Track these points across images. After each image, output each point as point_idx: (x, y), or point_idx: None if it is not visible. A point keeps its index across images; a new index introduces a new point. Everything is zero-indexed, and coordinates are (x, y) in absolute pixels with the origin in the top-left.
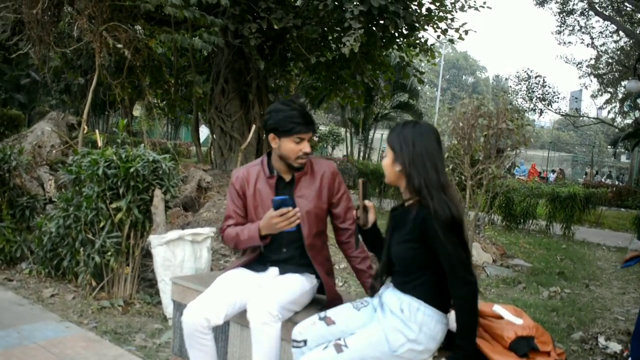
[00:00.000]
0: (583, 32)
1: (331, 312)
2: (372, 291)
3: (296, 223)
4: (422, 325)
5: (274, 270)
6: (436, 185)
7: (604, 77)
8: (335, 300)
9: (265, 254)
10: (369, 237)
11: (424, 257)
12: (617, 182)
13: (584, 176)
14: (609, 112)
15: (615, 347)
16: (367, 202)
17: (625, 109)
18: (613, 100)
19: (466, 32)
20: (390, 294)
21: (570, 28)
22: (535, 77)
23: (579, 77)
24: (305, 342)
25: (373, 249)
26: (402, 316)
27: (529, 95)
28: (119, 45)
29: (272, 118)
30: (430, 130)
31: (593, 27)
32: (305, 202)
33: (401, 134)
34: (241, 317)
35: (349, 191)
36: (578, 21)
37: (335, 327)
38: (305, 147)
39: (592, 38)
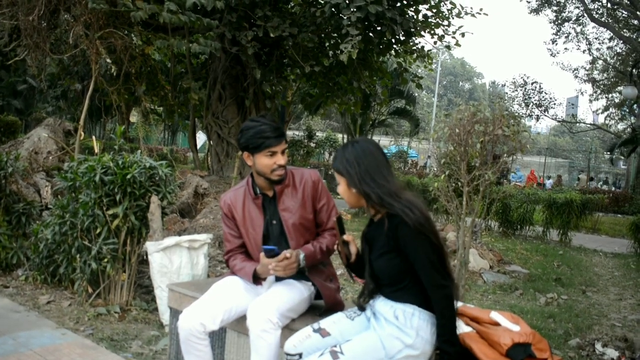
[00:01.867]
0: (579, 40)
1: (325, 324)
2: (360, 308)
3: (291, 271)
4: (418, 329)
5: (270, 278)
6: (389, 193)
7: (600, 83)
8: (336, 306)
9: None
10: (356, 267)
11: (405, 264)
12: (612, 188)
13: (576, 181)
14: (606, 118)
15: (612, 353)
16: (345, 236)
17: (621, 115)
18: (610, 107)
19: (462, 34)
20: (382, 303)
21: (566, 35)
22: (532, 84)
23: (575, 78)
24: (300, 355)
25: (363, 275)
26: (397, 323)
27: (526, 101)
28: (108, 60)
29: (243, 137)
30: (369, 144)
31: (588, 35)
32: (289, 214)
33: (344, 158)
34: (238, 324)
35: (332, 198)
36: (574, 28)
37: (331, 338)
38: (279, 159)
39: (589, 44)
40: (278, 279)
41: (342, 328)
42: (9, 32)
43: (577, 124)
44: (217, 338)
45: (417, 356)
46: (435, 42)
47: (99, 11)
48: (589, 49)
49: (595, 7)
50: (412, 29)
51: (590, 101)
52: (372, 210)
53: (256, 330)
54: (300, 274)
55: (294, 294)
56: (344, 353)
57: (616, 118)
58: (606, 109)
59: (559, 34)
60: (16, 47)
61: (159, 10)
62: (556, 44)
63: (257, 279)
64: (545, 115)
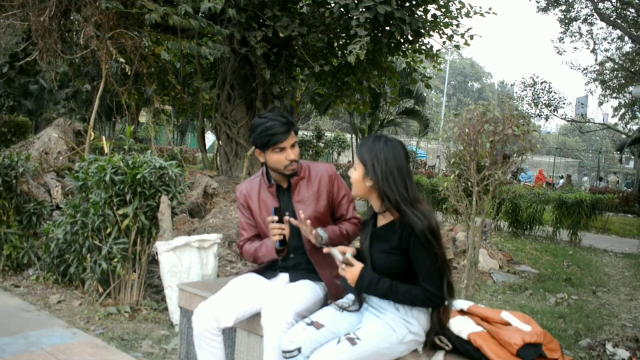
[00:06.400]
0: (587, 40)
1: (316, 317)
2: (360, 304)
3: (276, 238)
4: (417, 318)
5: (284, 277)
6: (408, 201)
7: (609, 83)
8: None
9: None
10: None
11: (409, 266)
12: (623, 188)
13: (606, 183)
14: (620, 117)
15: (623, 354)
16: (349, 258)
17: (631, 114)
18: (620, 107)
19: (471, 37)
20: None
21: (576, 34)
22: (541, 83)
23: (586, 84)
24: (299, 349)
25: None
26: (398, 313)
27: (535, 101)
28: (121, 60)
29: (252, 134)
30: (399, 146)
31: (597, 34)
32: (303, 206)
33: (373, 151)
34: (248, 324)
35: (349, 189)
36: (581, 27)
37: (325, 329)
38: (290, 154)
39: (595, 44)
40: (292, 278)
41: (334, 319)
42: (23, 34)
43: (587, 124)
44: (228, 337)
45: (419, 342)
46: (444, 42)
47: (110, 12)
48: (594, 49)
49: (604, 6)
50: (421, 29)
51: (600, 103)
52: (379, 207)
53: (271, 329)
54: (313, 273)
55: (309, 294)
56: (361, 339)
57: (627, 118)
58: (616, 109)
59: (566, 33)
60: (27, 48)
61: (172, 12)
62: (563, 42)
63: (279, 251)
64: (555, 115)
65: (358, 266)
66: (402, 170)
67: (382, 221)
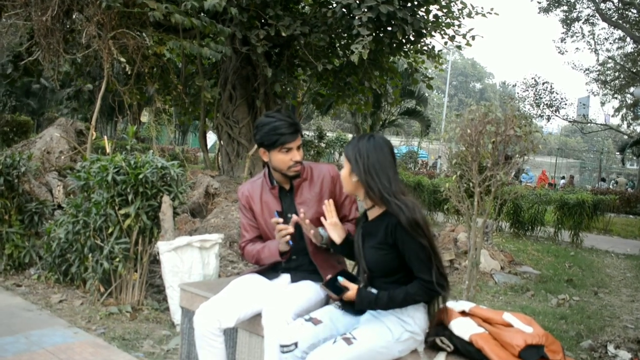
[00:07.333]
0: (589, 41)
1: (316, 313)
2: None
3: (285, 239)
4: (414, 317)
5: (285, 277)
6: (391, 192)
7: (611, 83)
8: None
9: None
10: (346, 250)
11: (400, 260)
12: (627, 189)
13: (614, 184)
14: (621, 118)
15: (624, 355)
16: (342, 283)
17: (632, 115)
18: (622, 107)
19: (473, 37)
20: None
21: (577, 35)
22: (543, 84)
23: (586, 84)
24: (296, 344)
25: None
26: (394, 312)
27: (537, 101)
28: (122, 60)
29: (258, 133)
30: (384, 143)
31: (598, 35)
32: (306, 208)
33: (357, 147)
34: (249, 324)
35: None
36: (582, 28)
37: (323, 325)
38: (295, 155)
39: (596, 45)
40: (293, 279)
41: (333, 317)
42: (26, 33)
43: (589, 124)
44: (229, 338)
45: (418, 340)
46: (445, 43)
47: (112, 11)
48: (596, 50)
49: (606, 7)
50: (422, 29)
51: (603, 104)
52: (368, 203)
53: (272, 330)
54: (315, 274)
55: (310, 295)
56: (357, 338)
57: (628, 118)
58: (618, 109)
59: (568, 33)
60: (30, 48)
61: (175, 10)
62: (565, 42)
63: (283, 254)
64: (556, 116)
65: (353, 289)
66: (384, 163)
67: (370, 216)
